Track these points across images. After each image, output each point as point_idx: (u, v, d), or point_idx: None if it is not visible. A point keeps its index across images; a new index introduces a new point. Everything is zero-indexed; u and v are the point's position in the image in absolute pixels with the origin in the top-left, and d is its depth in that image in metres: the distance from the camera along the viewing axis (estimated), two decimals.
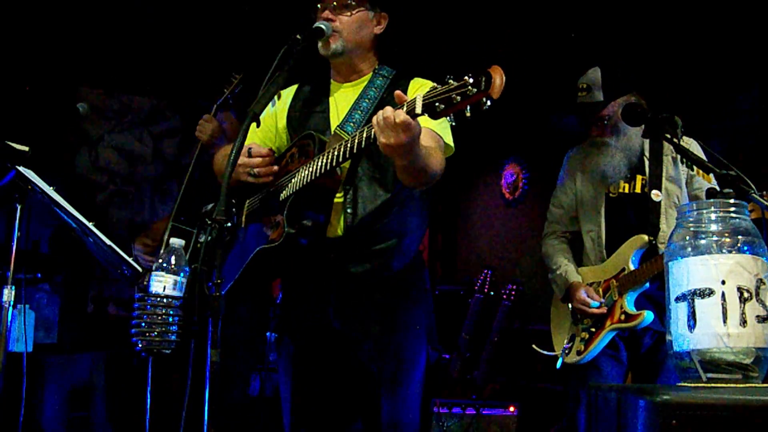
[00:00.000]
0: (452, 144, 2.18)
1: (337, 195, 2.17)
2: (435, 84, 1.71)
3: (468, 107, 1.64)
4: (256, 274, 2.21)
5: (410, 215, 2.23)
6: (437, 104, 1.67)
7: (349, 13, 2.21)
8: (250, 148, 2.16)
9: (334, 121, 2.25)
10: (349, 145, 1.95)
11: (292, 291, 2.36)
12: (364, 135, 1.90)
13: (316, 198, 2.12)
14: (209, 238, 1.71)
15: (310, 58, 2.23)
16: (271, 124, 2.39)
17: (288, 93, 2.41)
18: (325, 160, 2.02)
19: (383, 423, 2.19)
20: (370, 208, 2.16)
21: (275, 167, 2.18)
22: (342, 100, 2.29)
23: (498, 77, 1.59)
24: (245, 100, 3.35)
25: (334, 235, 2.17)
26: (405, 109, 1.74)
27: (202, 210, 3.12)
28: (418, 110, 1.71)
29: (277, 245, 2.08)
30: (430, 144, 2.03)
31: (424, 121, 1.90)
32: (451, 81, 1.66)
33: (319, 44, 2.22)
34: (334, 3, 2.21)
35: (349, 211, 2.15)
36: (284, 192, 2.15)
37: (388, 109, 1.77)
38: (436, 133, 2.12)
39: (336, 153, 1.99)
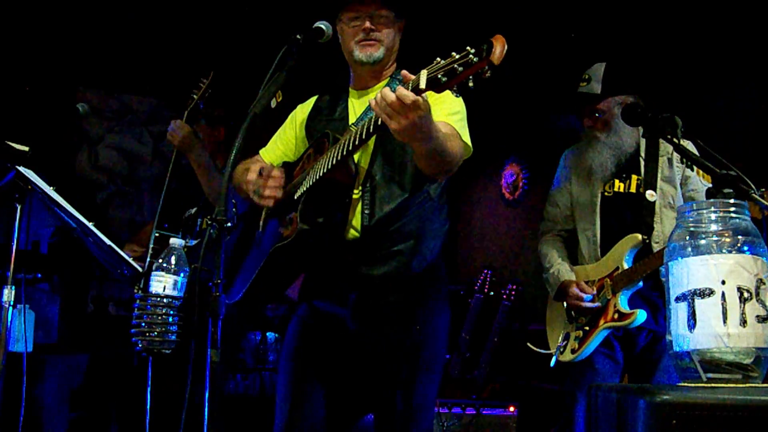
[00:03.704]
0: (470, 144, 2.16)
1: (354, 196, 2.15)
2: (438, 58, 1.70)
3: (471, 77, 1.64)
4: (274, 274, 2.19)
5: (429, 217, 2.21)
6: (440, 77, 1.66)
7: (391, 26, 2.24)
8: (262, 168, 2.15)
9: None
10: (357, 132, 1.95)
11: (310, 295, 2.33)
12: (372, 120, 1.88)
13: (330, 194, 2.10)
14: (211, 237, 1.71)
15: (330, 67, 2.24)
16: (291, 135, 2.40)
17: (308, 104, 2.42)
18: (336, 152, 2.01)
19: (397, 424, 2.17)
20: (387, 209, 2.14)
21: (279, 193, 2.14)
22: (360, 106, 2.29)
23: (499, 45, 1.59)
24: (216, 102, 3.34)
25: (351, 237, 2.15)
26: (410, 86, 1.72)
27: (185, 215, 3.11)
28: (422, 85, 1.69)
29: (289, 242, 2.06)
30: (447, 131, 2.01)
31: (444, 116, 1.92)
32: (453, 54, 1.66)
33: (357, 49, 2.21)
34: (377, 16, 2.21)
35: (366, 212, 2.13)
36: (299, 190, 2.15)
37: (386, 91, 1.74)
38: (456, 129, 2.10)
39: (346, 142, 1.98)
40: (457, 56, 1.64)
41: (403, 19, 2.30)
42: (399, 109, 1.73)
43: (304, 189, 2.11)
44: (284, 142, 2.40)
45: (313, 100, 2.43)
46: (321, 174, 2.05)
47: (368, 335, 2.19)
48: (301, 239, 2.05)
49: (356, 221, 2.15)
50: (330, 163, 2.02)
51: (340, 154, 1.99)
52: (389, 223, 2.14)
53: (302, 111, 2.42)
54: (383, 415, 2.21)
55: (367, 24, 2.20)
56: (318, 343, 2.25)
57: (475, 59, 1.61)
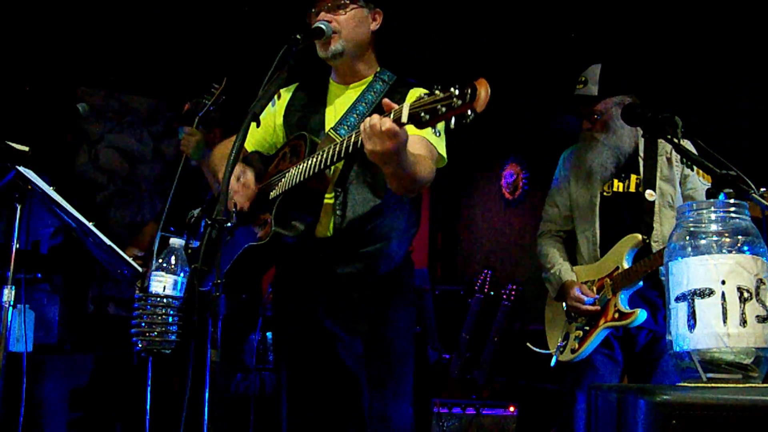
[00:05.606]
0: (445, 155, 2.20)
1: (328, 196, 2.18)
2: (422, 93, 1.71)
3: (452, 118, 1.65)
4: (243, 270, 2.23)
5: (399, 219, 2.25)
6: (423, 114, 1.68)
7: (344, 12, 2.20)
8: (241, 173, 2.16)
9: (330, 123, 2.26)
10: (337, 149, 1.97)
11: (282, 290, 2.37)
12: (353, 140, 1.91)
13: (304, 199, 2.13)
14: (211, 237, 1.72)
15: (311, 58, 2.23)
16: (269, 122, 2.41)
17: (287, 92, 2.42)
18: (314, 163, 2.04)
19: (373, 420, 2.20)
20: (360, 211, 2.17)
21: (247, 205, 2.18)
22: (340, 102, 2.30)
23: (483, 91, 1.60)
24: (227, 109, 3.34)
25: (322, 236, 2.19)
26: (392, 117, 1.76)
27: (188, 217, 3.13)
28: (404, 119, 1.73)
29: (264, 243, 2.10)
30: (420, 152, 2.04)
31: (418, 129, 1.92)
32: (437, 92, 1.67)
33: (318, 47, 2.21)
34: (329, 4, 2.20)
35: (338, 212, 2.17)
36: (274, 191, 2.16)
37: (375, 116, 1.78)
38: (430, 143, 2.13)
39: (325, 156, 2.00)
40: (441, 95, 1.65)
41: (373, 8, 2.27)
42: (378, 134, 1.76)
43: (280, 192, 2.13)
44: (263, 127, 2.40)
45: (293, 87, 2.42)
46: (298, 181, 2.07)
47: (340, 332, 2.23)
48: (275, 242, 2.09)
49: (328, 221, 2.18)
50: (307, 173, 2.05)
51: (318, 166, 2.02)
52: (360, 225, 2.17)
53: (282, 98, 2.42)
54: (361, 418, 2.24)
55: (322, 14, 2.20)
56: (302, 345, 2.30)
57: (458, 102, 1.61)
